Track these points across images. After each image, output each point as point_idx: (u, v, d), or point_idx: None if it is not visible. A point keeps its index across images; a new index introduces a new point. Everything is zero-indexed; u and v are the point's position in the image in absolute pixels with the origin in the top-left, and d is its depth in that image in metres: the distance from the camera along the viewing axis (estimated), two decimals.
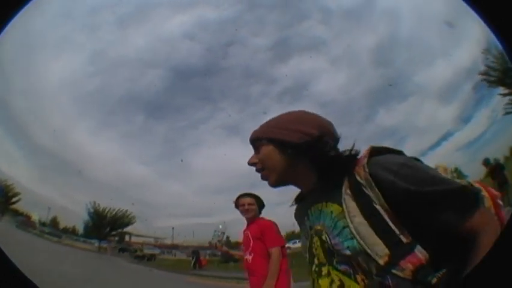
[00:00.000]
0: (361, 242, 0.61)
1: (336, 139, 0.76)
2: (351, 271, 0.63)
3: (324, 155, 0.71)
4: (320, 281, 0.71)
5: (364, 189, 0.64)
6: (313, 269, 0.74)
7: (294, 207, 0.88)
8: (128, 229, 20.65)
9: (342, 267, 0.65)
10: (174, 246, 20.78)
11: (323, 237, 0.70)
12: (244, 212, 2.44)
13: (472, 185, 0.70)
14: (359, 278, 0.62)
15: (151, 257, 19.45)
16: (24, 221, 17.03)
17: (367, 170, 0.65)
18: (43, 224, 18.05)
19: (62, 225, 18.08)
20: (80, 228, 19.15)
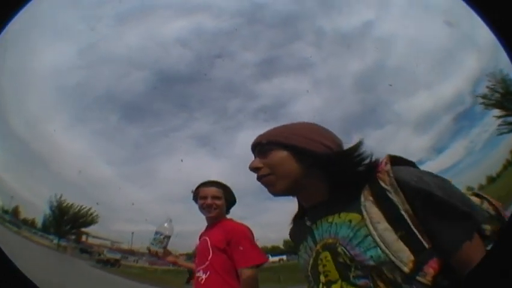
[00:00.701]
0: (386, 250, 0.59)
1: (335, 142, 0.76)
2: (372, 285, 0.60)
3: (343, 169, 0.69)
4: None
5: (389, 194, 0.62)
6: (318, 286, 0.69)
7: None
8: (87, 229, 19.78)
9: (361, 282, 0.61)
10: (131, 252, 20.20)
11: (339, 250, 0.65)
12: (205, 209, 1.71)
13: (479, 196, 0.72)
14: None
15: (115, 262, 18.37)
16: None
17: (392, 175, 0.63)
18: (5, 212, 17.08)
19: (22, 215, 17.41)
20: (39, 222, 18.35)
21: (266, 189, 0.75)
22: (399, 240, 0.59)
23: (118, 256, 19.49)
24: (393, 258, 0.58)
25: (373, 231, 0.61)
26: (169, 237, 1.71)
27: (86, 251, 20.18)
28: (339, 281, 0.64)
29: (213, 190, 1.73)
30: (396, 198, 0.61)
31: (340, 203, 0.69)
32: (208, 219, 1.76)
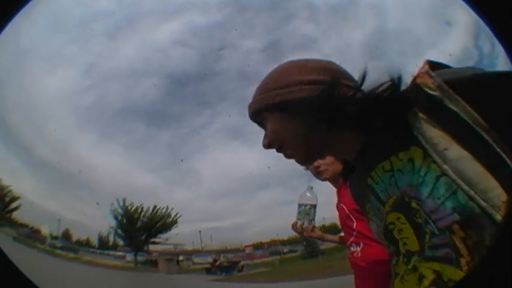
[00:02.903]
0: (470, 191, 0.40)
1: (353, 78, 0.55)
2: (454, 255, 0.42)
3: (353, 101, 0.50)
4: (405, 277, 0.49)
5: (446, 102, 0.43)
6: (398, 262, 0.51)
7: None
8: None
9: (440, 252, 0.43)
10: (196, 252, 17.76)
11: (413, 205, 0.46)
12: (318, 174, 1.33)
13: None
14: (463, 261, 0.41)
15: (233, 267, 14.41)
16: (29, 234, 14.34)
17: (434, 75, 0.45)
18: (55, 238, 15.10)
19: (74, 238, 15.80)
20: (95, 240, 16.24)
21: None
22: (488, 174, 0.40)
23: (208, 259, 15.91)
24: (482, 203, 0.40)
25: (443, 165, 0.42)
26: (315, 206, 1.43)
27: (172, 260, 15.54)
28: (416, 256, 0.47)
29: None
30: (454, 106, 0.42)
31: (386, 145, 0.50)
32: (332, 184, 1.48)
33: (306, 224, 1.38)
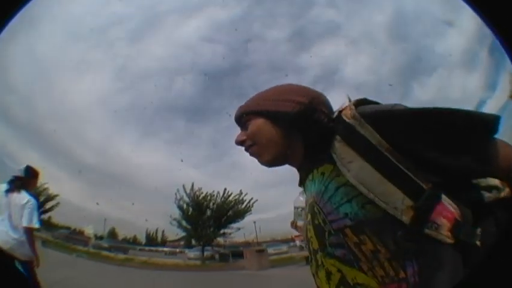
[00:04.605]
0: (369, 193, 0.46)
1: (331, 109, 0.65)
2: (352, 257, 0.47)
3: (318, 125, 0.61)
4: (318, 274, 0.55)
5: (357, 128, 0.51)
6: (311, 260, 0.58)
7: None
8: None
9: (338, 252, 0.49)
10: (250, 243, 15.37)
11: (314, 209, 0.55)
12: None
13: None
14: (364, 265, 0.46)
15: None
16: (68, 236, 13.31)
17: (353, 107, 0.54)
18: (100, 238, 14.13)
19: (120, 236, 15.26)
20: (142, 238, 15.26)
21: None
22: (386, 180, 0.47)
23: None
24: (382, 204, 0.46)
25: (347, 173, 0.50)
26: (303, 208, 1.25)
27: (239, 254, 12.32)
28: (319, 252, 0.54)
29: None
30: (363, 131, 0.51)
31: (316, 158, 0.60)
32: None
33: (301, 223, 1.47)
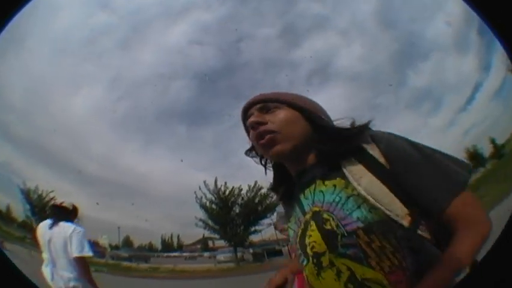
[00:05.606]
0: (376, 203, 0.55)
1: (328, 117, 0.73)
2: (362, 255, 0.55)
3: (335, 141, 0.65)
4: (322, 275, 0.60)
5: (367, 149, 0.61)
6: (308, 263, 0.63)
7: None
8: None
9: (351, 252, 0.56)
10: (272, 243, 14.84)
11: (324, 216, 0.61)
12: None
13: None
14: (373, 262, 0.54)
15: None
16: None
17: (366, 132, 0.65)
18: (116, 247, 13.38)
19: (136, 244, 14.67)
20: (158, 244, 15.11)
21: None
22: (390, 193, 0.56)
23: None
24: (387, 211, 0.55)
25: (357, 186, 0.58)
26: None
27: (275, 252, 11.40)
28: (327, 253, 0.59)
29: None
30: (372, 151, 0.61)
31: (322, 170, 0.65)
32: None
33: (284, 226, 1.56)
